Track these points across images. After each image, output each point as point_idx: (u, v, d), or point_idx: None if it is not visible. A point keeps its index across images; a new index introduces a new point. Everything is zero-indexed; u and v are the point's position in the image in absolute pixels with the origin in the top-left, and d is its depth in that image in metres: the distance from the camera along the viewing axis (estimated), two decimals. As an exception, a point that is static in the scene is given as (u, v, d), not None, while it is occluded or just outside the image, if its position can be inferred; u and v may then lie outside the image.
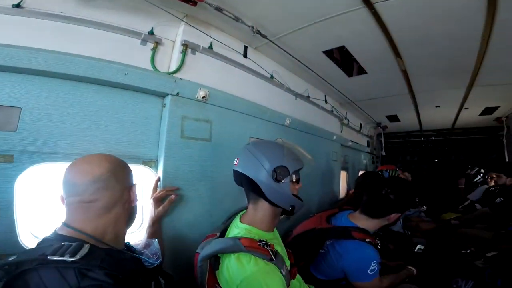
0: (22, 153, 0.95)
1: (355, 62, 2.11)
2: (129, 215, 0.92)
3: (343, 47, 1.86)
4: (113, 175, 0.84)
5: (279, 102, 2.02)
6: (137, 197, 0.93)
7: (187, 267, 1.22)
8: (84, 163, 0.84)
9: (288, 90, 2.17)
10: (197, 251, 1.10)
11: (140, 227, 1.32)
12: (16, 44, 0.93)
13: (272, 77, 1.97)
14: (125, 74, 1.14)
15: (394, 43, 1.79)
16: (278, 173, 1.03)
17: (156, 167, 1.30)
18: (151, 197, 1.25)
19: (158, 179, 1.28)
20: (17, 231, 0.99)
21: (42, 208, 1.08)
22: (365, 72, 2.30)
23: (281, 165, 1.04)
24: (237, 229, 1.09)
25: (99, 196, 0.81)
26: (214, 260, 1.04)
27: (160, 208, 1.24)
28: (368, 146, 4.74)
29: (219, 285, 1.02)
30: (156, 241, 1.01)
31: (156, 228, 1.25)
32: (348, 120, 3.58)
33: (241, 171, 1.06)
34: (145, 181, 1.32)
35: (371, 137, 4.89)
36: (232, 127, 1.58)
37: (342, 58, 2.03)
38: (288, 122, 2.05)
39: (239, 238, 1.00)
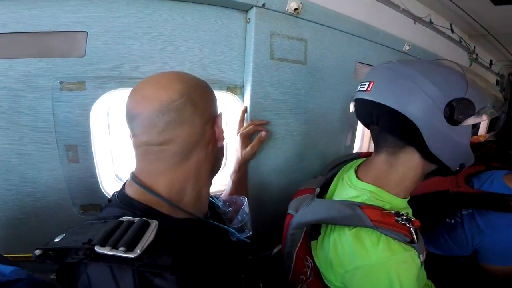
0: (94, 79, 0.86)
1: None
2: (213, 161, 0.66)
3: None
4: (189, 101, 0.58)
5: (393, 24, 1.60)
6: (224, 133, 0.67)
7: (271, 221, 1.04)
8: (148, 86, 0.59)
9: (405, 12, 1.70)
10: (289, 211, 0.85)
11: (223, 167, 1.16)
12: None
13: (382, -6, 1.54)
14: None
15: None
16: (458, 110, 0.64)
17: (242, 95, 1.10)
18: (238, 132, 1.05)
19: (245, 110, 1.08)
20: (98, 175, 0.92)
21: (123, 143, 0.99)
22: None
23: (463, 98, 0.64)
24: (353, 189, 0.77)
25: (172, 135, 0.57)
26: (312, 229, 0.79)
27: (248, 148, 1.03)
28: (497, 85, 3.87)
29: (311, 258, 0.79)
30: (246, 202, 0.81)
31: (242, 173, 1.05)
32: (477, 55, 2.83)
33: (379, 100, 0.69)
34: (230, 112, 1.14)
35: (502, 76, 3.95)
36: (333, 49, 1.26)
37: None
38: (408, 48, 1.63)
39: (359, 205, 0.69)
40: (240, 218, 0.80)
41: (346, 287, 0.71)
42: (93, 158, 0.90)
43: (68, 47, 0.83)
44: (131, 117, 0.58)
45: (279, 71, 1.10)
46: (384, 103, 0.68)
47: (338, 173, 0.89)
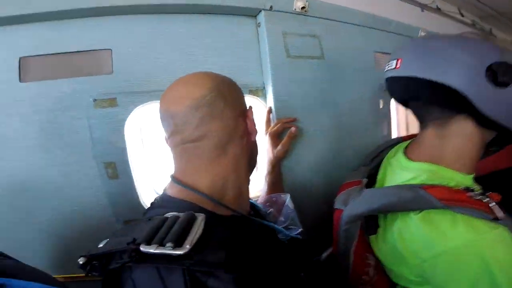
0: (124, 95, 0.90)
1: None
2: (250, 155, 0.66)
3: None
4: (219, 95, 0.59)
5: (402, 13, 1.59)
6: (256, 126, 0.66)
7: (314, 224, 0.99)
8: (179, 86, 0.61)
9: (410, 1, 1.70)
10: (336, 206, 0.78)
11: (255, 170, 1.14)
12: None
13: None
14: None
15: None
16: (500, 73, 0.58)
17: (264, 96, 1.11)
18: (266, 133, 1.05)
19: (270, 110, 1.08)
20: (137, 190, 0.93)
21: (160, 157, 1.01)
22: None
23: (500, 62, 0.59)
24: (408, 172, 0.69)
25: (206, 130, 0.57)
26: (367, 222, 0.72)
27: (280, 146, 1.01)
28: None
29: (372, 255, 0.73)
30: (289, 198, 0.78)
31: (276, 173, 1.02)
32: (496, 37, 2.76)
33: (411, 74, 0.65)
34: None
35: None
36: (347, 42, 1.27)
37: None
38: (423, 34, 1.61)
39: (420, 187, 0.61)
40: (283, 217, 0.77)
41: (425, 279, 0.62)
42: (131, 174, 0.92)
43: (96, 65, 0.88)
44: (166, 118, 0.60)
45: (298, 69, 1.11)
46: (418, 75, 0.64)
47: (384, 161, 0.83)
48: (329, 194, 0.90)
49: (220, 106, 0.59)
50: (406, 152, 0.75)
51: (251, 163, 0.68)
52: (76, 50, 0.85)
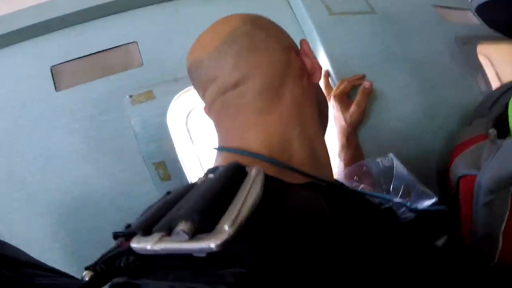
0: (159, 86, 0.84)
1: None
2: (316, 101, 0.49)
3: None
4: (257, 26, 0.46)
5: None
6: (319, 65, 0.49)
7: None
8: (203, 33, 0.49)
9: None
10: (463, 172, 0.59)
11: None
12: None
13: None
14: None
15: None
16: None
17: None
18: (329, 96, 0.84)
19: (327, 73, 0.90)
20: None
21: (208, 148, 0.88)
22: None
23: None
24: None
25: (249, 67, 0.43)
26: None
27: (353, 107, 0.79)
28: None
29: None
30: (395, 159, 0.63)
31: (354, 146, 0.80)
32: None
33: None
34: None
35: None
36: None
37: None
38: None
39: None
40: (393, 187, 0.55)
41: None
42: (184, 172, 0.81)
43: (126, 60, 0.86)
44: (194, 72, 0.48)
45: (349, 25, 0.95)
46: None
47: (510, 104, 0.63)
48: (429, 165, 0.82)
49: (261, 36, 0.45)
50: None
51: (322, 114, 0.50)
52: (102, 49, 0.85)
